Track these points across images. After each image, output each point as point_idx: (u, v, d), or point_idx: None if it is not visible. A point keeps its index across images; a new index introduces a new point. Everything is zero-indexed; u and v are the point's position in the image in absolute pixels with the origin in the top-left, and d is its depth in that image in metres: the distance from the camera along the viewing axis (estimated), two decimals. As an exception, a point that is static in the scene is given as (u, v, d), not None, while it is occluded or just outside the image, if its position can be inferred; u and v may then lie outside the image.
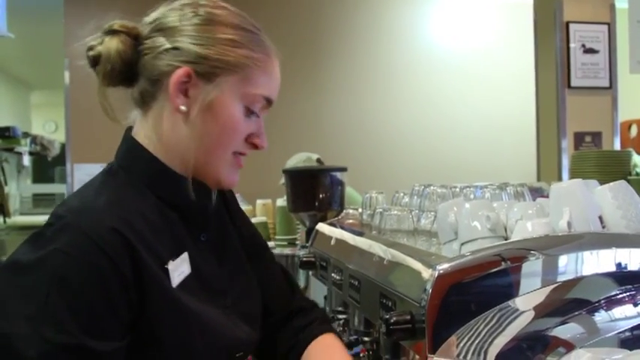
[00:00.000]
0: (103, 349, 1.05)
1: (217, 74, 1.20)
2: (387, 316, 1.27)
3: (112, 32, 1.25)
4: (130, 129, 1.29)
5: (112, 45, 1.23)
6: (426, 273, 1.26)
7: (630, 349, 1.39)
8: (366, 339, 1.77)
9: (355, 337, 1.80)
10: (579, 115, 5.40)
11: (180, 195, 1.23)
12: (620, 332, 1.37)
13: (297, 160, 4.50)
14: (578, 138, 5.39)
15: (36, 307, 1.02)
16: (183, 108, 1.19)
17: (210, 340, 1.22)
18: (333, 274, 1.85)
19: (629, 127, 5.91)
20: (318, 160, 4.29)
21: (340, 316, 1.97)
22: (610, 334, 1.35)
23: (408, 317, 1.26)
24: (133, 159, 1.24)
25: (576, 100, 5.39)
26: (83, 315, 1.04)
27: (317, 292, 2.42)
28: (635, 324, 1.37)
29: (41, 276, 1.04)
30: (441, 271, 1.24)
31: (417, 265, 1.31)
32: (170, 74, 1.20)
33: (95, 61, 1.25)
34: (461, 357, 1.23)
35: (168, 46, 1.20)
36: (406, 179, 2.06)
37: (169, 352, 1.15)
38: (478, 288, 1.27)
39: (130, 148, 1.24)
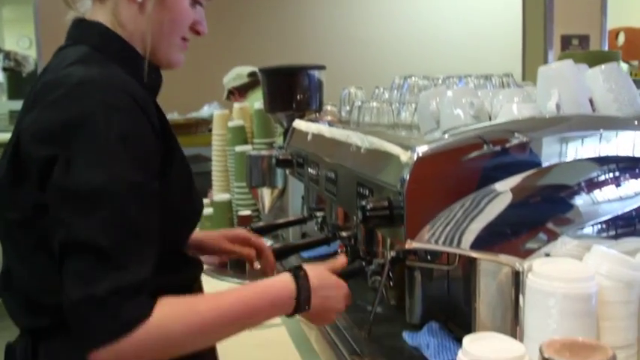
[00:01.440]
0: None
1: None
2: (364, 203, 1.20)
3: None
4: (81, 19, 1.29)
5: None
6: (405, 156, 1.19)
7: (615, 238, 1.34)
8: (343, 234, 1.71)
9: (332, 232, 1.75)
10: (567, 17, 5.24)
11: (146, 76, 1.27)
12: (606, 220, 1.32)
13: (235, 74, 4.41)
14: (565, 41, 5.25)
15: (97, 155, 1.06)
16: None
17: (196, 207, 1.32)
18: (309, 170, 1.78)
19: (617, 34, 5.79)
20: (252, 74, 4.23)
21: (318, 214, 1.91)
22: (595, 221, 1.30)
23: (386, 203, 1.19)
24: (107, 40, 1.25)
25: (564, 1, 5.23)
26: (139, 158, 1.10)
27: (295, 193, 2.36)
28: (618, 212, 1.32)
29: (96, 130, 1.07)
30: (421, 154, 1.17)
31: (395, 149, 1.23)
32: None
33: None
34: (440, 243, 1.17)
35: None
36: (387, 80, 1.96)
37: (169, 211, 1.16)
38: (458, 171, 1.20)
39: (103, 32, 1.26)
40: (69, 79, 1.13)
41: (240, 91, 4.39)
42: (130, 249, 1.06)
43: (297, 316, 1.68)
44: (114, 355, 1.02)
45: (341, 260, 1.37)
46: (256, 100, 2.86)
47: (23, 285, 1.20)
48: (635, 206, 1.33)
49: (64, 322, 1.08)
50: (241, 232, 1.66)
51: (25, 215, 1.15)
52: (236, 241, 1.60)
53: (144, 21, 1.25)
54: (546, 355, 1.01)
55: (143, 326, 1.03)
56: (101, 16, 1.26)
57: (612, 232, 1.33)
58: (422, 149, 1.17)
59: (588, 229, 1.30)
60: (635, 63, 5.77)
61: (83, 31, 1.27)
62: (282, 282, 1.21)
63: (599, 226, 1.31)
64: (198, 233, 1.58)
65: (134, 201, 1.07)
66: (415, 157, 1.16)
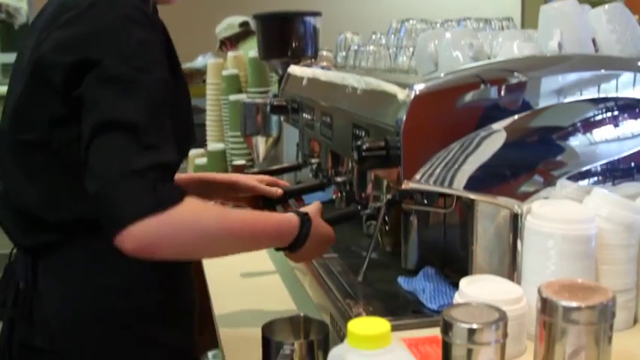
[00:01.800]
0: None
1: None
2: (360, 143, 1.17)
3: None
4: None
5: None
6: (403, 94, 1.15)
7: (613, 183, 1.32)
8: (338, 179, 1.68)
9: (327, 178, 1.72)
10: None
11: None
12: (604, 169, 1.30)
13: (227, 24, 4.35)
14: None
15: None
16: None
17: (191, 133, 1.35)
18: (304, 115, 1.74)
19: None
20: (244, 24, 4.18)
21: (312, 161, 1.88)
22: (594, 164, 1.28)
23: (382, 143, 1.16)
24: None
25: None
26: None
27: (289, 141, 2.32)
28: (618, 154, 1.30)
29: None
30: (418, 92, 1.13)
31: (392, 88, 1.20)
32: None
33: None
34: (437, 183, 1.15)
35: None
36: (384, 26, 1.90)
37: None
38: (456, 111, 1.16)
39: None
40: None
41: (231, 42, 4.33)
42: (162, 132, 1.09)
43: (293, 264, 1.68)
44: (144, 233, 1.01)
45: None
46: (249, 50, 2.80)
47: (29, 204, 1.21)
48: (635, 149, 1.31)
49: (68, 238, 1.15)
50: (267, 176, 1.72)
51: (40, 132, 1.17)
52: (264, 182, 1.64)
53: None
54: (545, 296, 0.98)
55: (178, 207, 1.04)
56: None
57: (610, 183, 1.31)
58: (420, 87, 1.14)
59: (585, 181, 1.28)
60: (636, 17, 5.69)
61: None
62: (289, 217, 1.26)
63: (598, 177, 1.29)
64: (231, 175, 1.69)
65: (162, 92, 1.11)
66: (413, 95, 1.13)
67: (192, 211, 1.08)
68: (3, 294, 1.25)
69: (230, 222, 1.14)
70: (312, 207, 1.34)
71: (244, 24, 4.16)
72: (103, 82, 1.08)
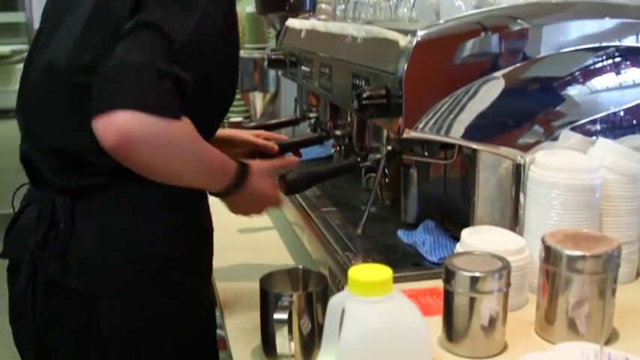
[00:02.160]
0: None
1: None
2: (360, 91, 1.14)
3: None
4: None
5: None
6: (404, 41, 1.12)
7: (615, 136, 1.29)
8: (337, 132, 1.65)
9: (325, 131, 1.69)
10: None
11: None
12: (606, 115, 1.27)
13: None
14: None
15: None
16: None
17: (232, 94, 1.41)
18: (302, 68, 1.70)
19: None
20: None
21: (311, 115, 1.85)
22: (597, 115, 1.26)
23: (383, 92, 1.13)
24: None
25: None
26: None
27: (287, 97, 2.29)
28: (620, 106, 1.27)
29: None
30: (420, 38, 1.10)
31: (393, 35, 1.16)
32: None
33: None
34: (439, 132, 1.12)
35: None
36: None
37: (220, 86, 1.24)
38: (458, 58, 1.13)
39: None
40: None
41: None
42: (195, 60, 1.09)
43: (286, 218, 1.66)
44: (134, 125, 1.01)
45: (290, 160, 1.45)
46: (248, 4, 2.75)
47: (77, 147, 1.17)
48: (637, 99, 1.28)
49: (113, 182, 1.16)
50: (263, 130, 1.71)
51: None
52: (260, 136, 1.62)
53: None
54: (549, 245, 0.97)
55: (174, 122, 1.05)
56: None
57: (612, 136, 1.28)
58: (421, 33, 1.10)
59: (588, 132, 1.25)
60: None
61: None
62: (230, 163, 1.23)
63: (602, 127, 1.27)
64: (228, 130, 1.66)
65: (211, 26, 1.13)
66: (415, 42, 1.09)
67: (183, 134, 1.08)
68: (35, 234, 1.22)
69: (206, 159, 1.17)
70: (261, 164, 1.33)
71: None
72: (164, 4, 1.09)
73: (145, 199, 1.18)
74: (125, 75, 1.02)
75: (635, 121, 1.30)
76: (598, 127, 1.27)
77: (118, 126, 0.99)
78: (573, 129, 1.24)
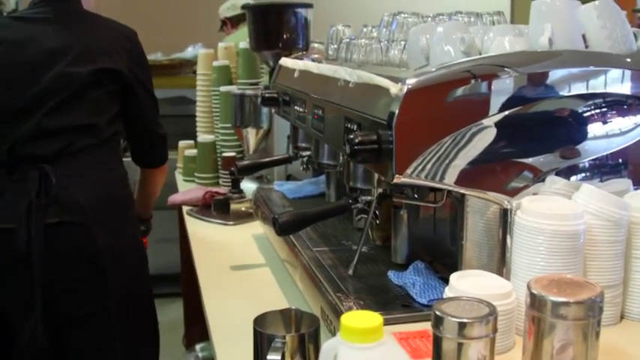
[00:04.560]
0: None
1: None
2: (352, 137, 1.17)
3: None
4: None
5: None
6: (395, 89, 1.15)
7: (601, 179, 1.33)
8: (329, 172, 1.68)
9: (318, 171, 1.72)
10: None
11: None
12: (592, 166, 1.31)
13: (230, 4, 4.33)
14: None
15: None
16: None
17: None
18: (295, 108, 1.74)
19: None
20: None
21: (304, 153, 1.88)
22: (583, 159, 1.29)
23: (374, 137, 1.16)
24: None
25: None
26: None
27: (280, 134, 2.32)
28: (606, 150, 1.31)
29: None
30: (411, 86, 1.14)
31: (385, 82, 1.20)
32: None
33: None
34: (428, 178, 1.15)
35: None
36: (374, 20, 1.90)
37: None
38: (448, 105, 1.17)
39: None
40: None
41: (232, 22, 4.31)
42: None
43: (279, 256, 1.68)
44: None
45: None
46: (241, 40, 2.79)
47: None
48: (623, 145, 1.32)
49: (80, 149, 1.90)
50: None
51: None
52: None
53: None
54: (534, 291, 0.99)
55: None
56: None
57: (598, 179, 1.32)
58: (412, 81, 1.14)
59: (574, 177, 1.29)
60: (624, 13, 5.70)
61: None
62: None
63: (586, 172, 1.30)
64: None
65: None
66: (405, 90, 1.13)
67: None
68: (28, 194, 1.81)
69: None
70: None
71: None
72: None
73: (106, 160, 1.96)
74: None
75: (620, 160, 1.34)
76: (583, 169, 1.31)
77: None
78: (559, 172, 1.28)
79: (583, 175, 1.30)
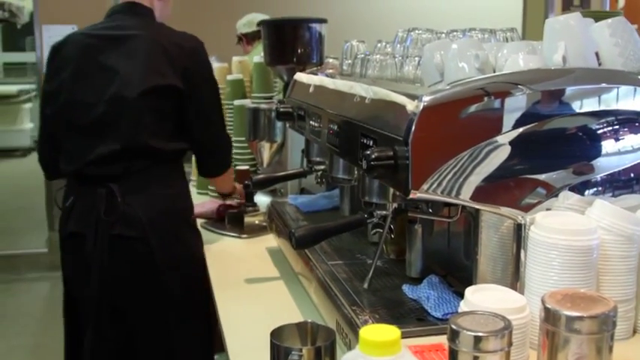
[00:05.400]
0: None
1: None
2: (368, 152, 1.19)
3: None
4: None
5: None
6: (411, 105, 1.17)
7: (613, 194, 1.34)
8: (343, 186, 1.70)
9: (332, 185, 1.74)
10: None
11: None
12: (604, 181, 1.32)
13: (247, 20, 4.37)
14: (566, 2, 5.20)
15: None
16: None
17: None
18: (311, 122, 1.76)
19: (618, -2, 5.73)
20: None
21: (318, 167, 1.90)
22: (596, 175, 1.31)
23: (391, 153, 1.18)
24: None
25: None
26: None
27: (294, 147, 2.35)
28: (619, 166, 1.33)
29: None
30: (427, 103, 1.16)
31: (401, 99, 1.22)
32: None
33: None
34: (443, 194, 1.17)
35: None
36: (388, 35, 1.93)
37: None
38: (463, 122, 1.19)
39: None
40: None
41: (248, 39, 4.34)
42: None
43: (293, 269, 1.70)
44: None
45: None
46: (256, 54, 2.82)
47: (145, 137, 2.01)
48: (635, 161, 1.33)
49: (153, 165, 2.04)
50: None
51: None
52: None
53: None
54: (548, 306, 1.01)
55: None
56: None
57: (610, 194, 1.33)
58: (428, 98, 1.16)
59: (587, 192, 1.30)
60: (635, 27, 5.72)
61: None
62: None
63: (599, 188, 1.31)
64: None
65: None
66: (421, 107, 1.15)
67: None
68: (96, 213, 1.97)
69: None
70: None
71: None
72: None
73: (167, 175, 2.08)
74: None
75: (633, 175, 1.35)
76: (596, 185, 1.32)
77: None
78: (572, 188, 1.29)
79: (596, 190, 1.31)
